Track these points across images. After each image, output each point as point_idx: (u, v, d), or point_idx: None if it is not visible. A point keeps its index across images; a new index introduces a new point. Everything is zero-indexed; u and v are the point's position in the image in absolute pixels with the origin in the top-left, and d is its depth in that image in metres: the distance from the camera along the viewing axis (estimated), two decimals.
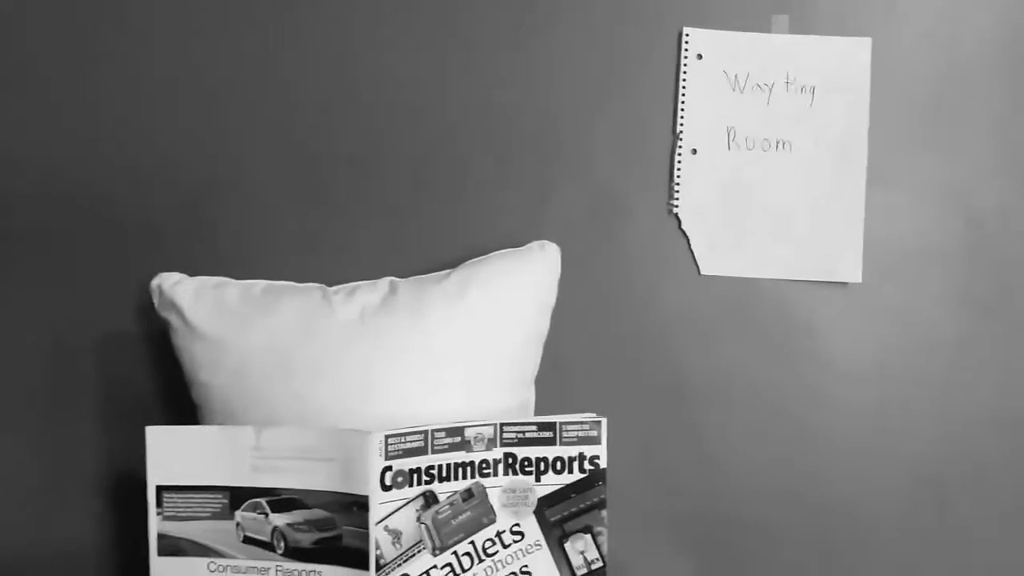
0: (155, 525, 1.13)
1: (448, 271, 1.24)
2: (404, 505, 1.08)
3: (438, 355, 1.17)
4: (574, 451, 1.13)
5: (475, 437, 1.11)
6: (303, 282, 1.26)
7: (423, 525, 1.09)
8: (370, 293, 1.21)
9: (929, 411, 1.30)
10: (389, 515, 1.07)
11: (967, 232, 1.31)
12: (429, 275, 1.25)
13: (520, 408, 1.21)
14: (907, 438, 1.31)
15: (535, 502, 1.13)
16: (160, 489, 1.12)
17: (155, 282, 1.23)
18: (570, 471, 1.13)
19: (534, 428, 1.13)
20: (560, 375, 1.27)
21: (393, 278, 1.25)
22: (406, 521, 1.08)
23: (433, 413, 1.13)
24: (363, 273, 1.27)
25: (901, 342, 1.31)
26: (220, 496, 1.11)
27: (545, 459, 1.13)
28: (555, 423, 1.13)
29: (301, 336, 1.17)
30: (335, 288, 1.24)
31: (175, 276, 1.24)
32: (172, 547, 1.12)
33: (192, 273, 1.25)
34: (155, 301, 1.23)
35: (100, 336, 1.31)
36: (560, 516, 1.13)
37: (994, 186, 1.31)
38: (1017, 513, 1.31)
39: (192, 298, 1.21)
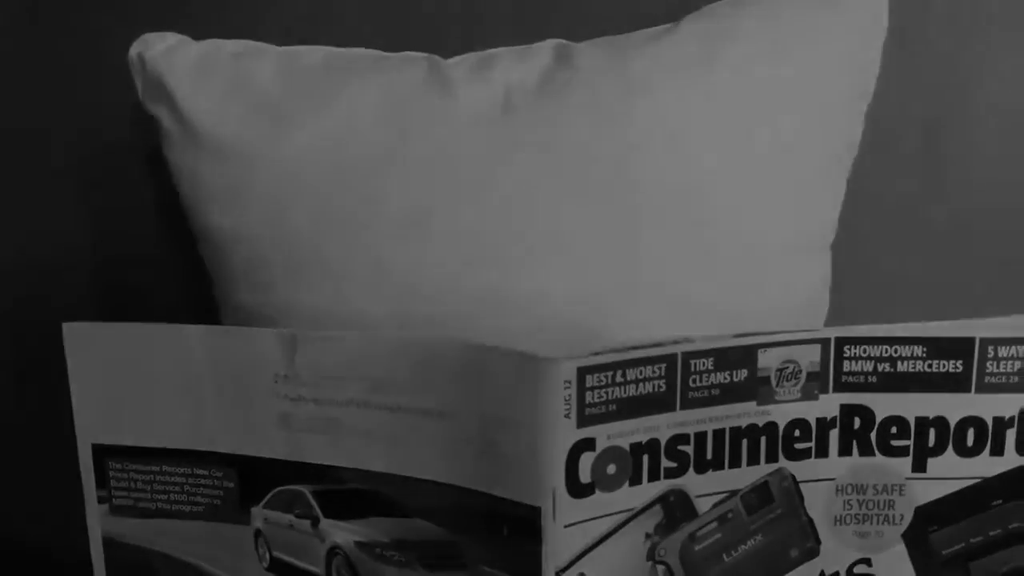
0: (97, 522, 0.58)
1: (670, 24, 0.74)
2: (622, 524, 0.48)
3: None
4: (1008, 404, 0.50)
5: (780, 368, 0.50)
6: (395, 51, 0.79)
7: (661, 566, 0.49)
8: (520, 65, 0.73)
9: None
10: (587, 551, 0.47)
11: None
12: (633, 33, 0.74)
13: (817, 290, 0.72)
14: None
15: (909, 516, 0.51)
16: (101, 453, 0.57)
17: (135, 49, 0.79)
18: (996, 450, 0.50)
19: (919, 349, 0.50)
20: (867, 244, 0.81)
21: (561, 41, 0.77)
22: (623, 558, 0.48)
23: (668, 303, 0.65)
24: (501, 37, 0.78)
25: None
26: (218, 473, 0.55)
27: (940, 421, 0.50)
28: (972, 340, 0.49)
29: (392, 143, 0.70)
30: (455, 59, 0.77)
31: (167, 38, 0.78)
32: (131, 566, 0.57)
33: (198, 34, 0.80)
34: (137, 83, 0.79)
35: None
36: (962, 546, 0.51)
37: None
38: None
39: (193, 76, 0.76)
